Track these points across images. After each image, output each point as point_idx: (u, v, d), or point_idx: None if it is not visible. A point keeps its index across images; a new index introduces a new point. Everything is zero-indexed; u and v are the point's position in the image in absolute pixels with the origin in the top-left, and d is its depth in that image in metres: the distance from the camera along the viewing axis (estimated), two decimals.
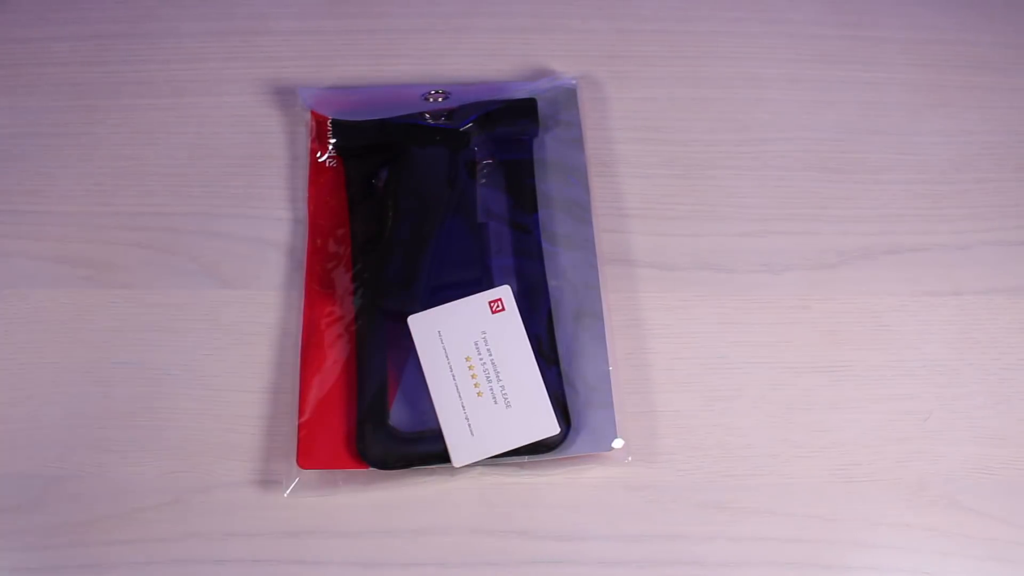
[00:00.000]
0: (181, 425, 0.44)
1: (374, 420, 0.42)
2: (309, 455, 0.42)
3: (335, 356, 0.44)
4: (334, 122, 0.49)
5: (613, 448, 0.42)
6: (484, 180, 0.48)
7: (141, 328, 0.46)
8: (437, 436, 0.41)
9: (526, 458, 0.42)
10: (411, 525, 0.42)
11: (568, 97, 0.51)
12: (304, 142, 0.51)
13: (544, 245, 0.46)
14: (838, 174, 0.50)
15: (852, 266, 0.48)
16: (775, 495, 0.43)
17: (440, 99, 0.50)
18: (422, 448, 0.42)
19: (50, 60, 0.53)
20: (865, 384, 0.45)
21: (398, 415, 0.43)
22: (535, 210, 0.47)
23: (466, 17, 0.55)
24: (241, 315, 0.46)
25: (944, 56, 0.54)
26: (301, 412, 0.43)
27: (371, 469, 0.42)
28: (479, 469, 0.42)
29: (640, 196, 0.49)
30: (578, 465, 0.43)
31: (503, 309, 0.43)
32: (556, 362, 0.44)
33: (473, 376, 0.42)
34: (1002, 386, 0.45)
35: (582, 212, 0.48)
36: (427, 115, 0.49)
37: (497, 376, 0.42)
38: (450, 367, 0.42)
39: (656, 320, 0.46)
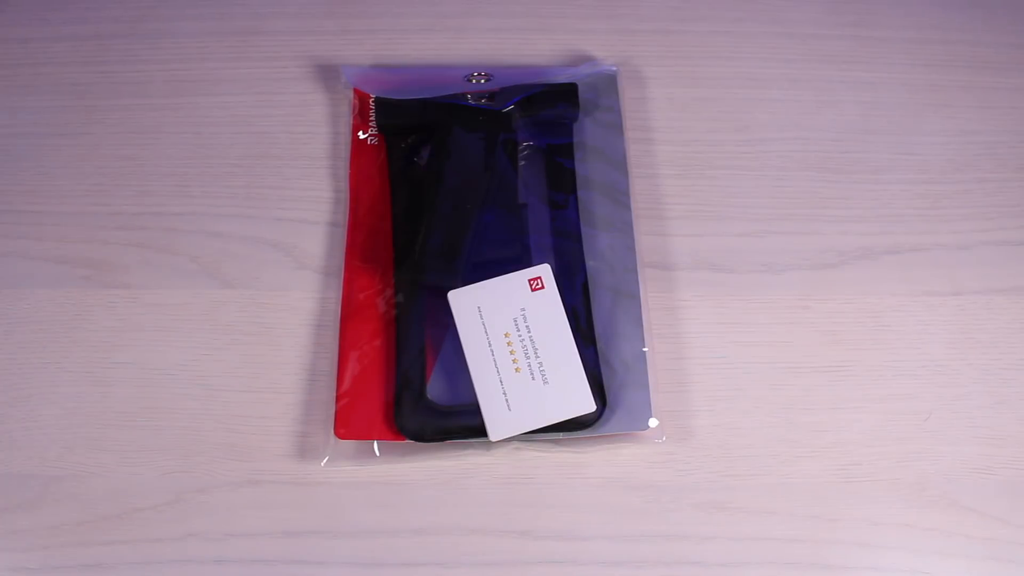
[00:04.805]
0: (181, 425, 0.44)
1: (412, 393, 0.43)
2: (347, 426, 0.42)
3: (373, 329, 0.45)
4: (377, 100, 0.50)
5: (648, 427, 0.43)
6: (524, 161, 0.49)
7: (141, 328, 0.46)
8: (474, 410, 0.42)
9: (561, 435, 0.42)
10: (411, 525, 0.42)
11: (608, 83, 0.51)
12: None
13: (583, 227, 0.47)
14: (838, 174, 0.50)
15: (852, 266, 0.48)
16: (775, 495, 0.43)
17: (483, 80, 0.50)
18: (459, 421, 0.42)
19: (50, 60, 0.53)
20: (865, 384, 0.45)
21: (435, 389, 0.43)
22: (574, 192, 0.48)
23: (466, 17, 0.55)
24: (241, 315, 0.46)
25: (944, 56, 0.54)
26: (340, 383, 0.43)
27: (407, 441, 0.42)
28: (515, 444, 0.43)
29: (640, 196, 0.49)
30: (613, 443, 0.43)
31: (542, 287, 0.43)
32: (593, 341, 0.44)
33: (511, 352, 0.42)
34: (1002, 386, 0.45)
35: (621, 196, 0.48)
36: (468, 96, 0.49)
37: (535, 353, 0.42)
38: (489, 343, 0.42)
39: (656, 320, 0.46)
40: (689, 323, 0.46)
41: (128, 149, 0.51)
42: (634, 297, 0.46)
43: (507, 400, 0.42)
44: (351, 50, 0.54)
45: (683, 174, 0.50)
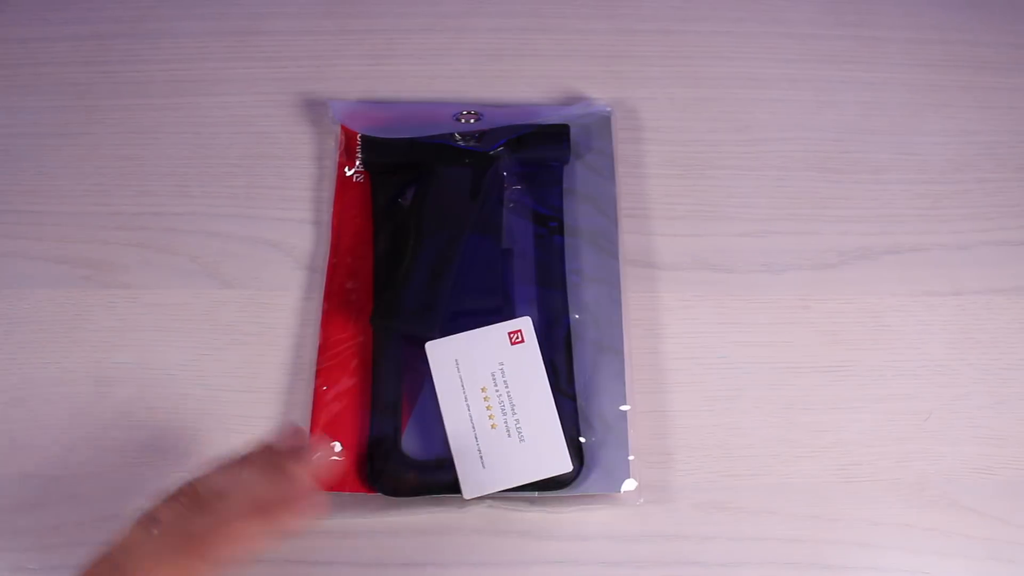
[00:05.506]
0: (181, 425, 0.44)
1: (386, 447, 0.42)
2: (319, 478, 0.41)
3: (349, 378, 0.44)
4: (364, 138, 0.49)
5: (624, 491, 0.42)
6: (512, 205, 0.47)
7: (141, 328, 0.46)
8: (449, 465, 0.41)
9: (536, 494, 0.41)
10: (411, 526, 0.42)
11: (602, 124, 0.50)
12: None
13: (568, 277, 0.46)
14: (838, 174, 0.50)
15: (852, 266, 0.48)
16: (775, 495, 0.43)
17: (472, 119, 0.49)
18: (433, 477, 0.41)
19: (50, 60, 0.53)
20: (865, 384, 0.45)
21: (410, 439, 0.42)
22: (560, 240, 0.46)
23: (466, 17, 0.55)
24: (241, 315, 0.46)
25: (944, 56, 0.54)
26: (312, 432, 0.42)
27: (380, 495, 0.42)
28: (488, 502, 0.42)
29: (640, 196, 0.49)
30: (588, 504, 0.42)
31: (522, 341, 0.42)
32: (573, 397, 0.43)
33: (488, 408, 0.41)
34: (1002, 386, 0.45)
35: (608, 245, 0.47)
36: (457, 135, 0.48)
37: (512, 409, 0.41)
38: (465, 397, 0.41)
39: (656, 320, 0.46)
40: (689, 323, 0.46)
41: (128, 149, 0.51)
42: (617, 352, 0.44)
43: (482, 457, 0.41)
44: (351, 50, 0.54)
45: (683, 174, 0.50)
